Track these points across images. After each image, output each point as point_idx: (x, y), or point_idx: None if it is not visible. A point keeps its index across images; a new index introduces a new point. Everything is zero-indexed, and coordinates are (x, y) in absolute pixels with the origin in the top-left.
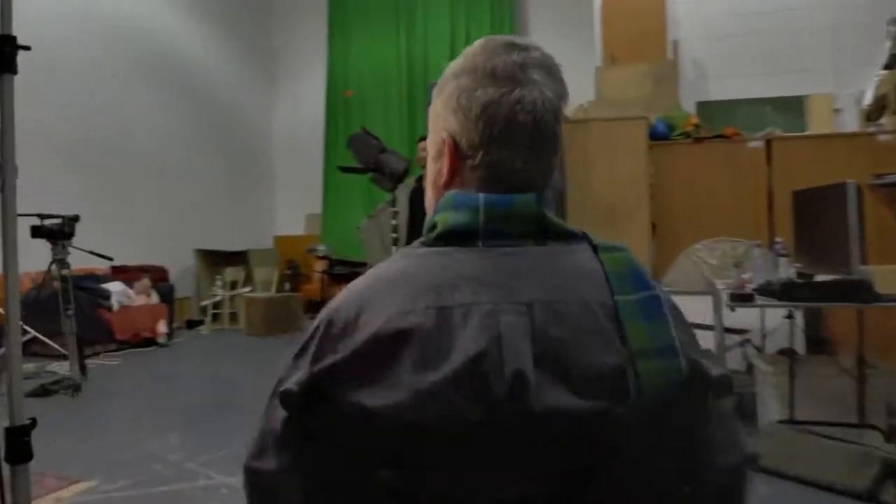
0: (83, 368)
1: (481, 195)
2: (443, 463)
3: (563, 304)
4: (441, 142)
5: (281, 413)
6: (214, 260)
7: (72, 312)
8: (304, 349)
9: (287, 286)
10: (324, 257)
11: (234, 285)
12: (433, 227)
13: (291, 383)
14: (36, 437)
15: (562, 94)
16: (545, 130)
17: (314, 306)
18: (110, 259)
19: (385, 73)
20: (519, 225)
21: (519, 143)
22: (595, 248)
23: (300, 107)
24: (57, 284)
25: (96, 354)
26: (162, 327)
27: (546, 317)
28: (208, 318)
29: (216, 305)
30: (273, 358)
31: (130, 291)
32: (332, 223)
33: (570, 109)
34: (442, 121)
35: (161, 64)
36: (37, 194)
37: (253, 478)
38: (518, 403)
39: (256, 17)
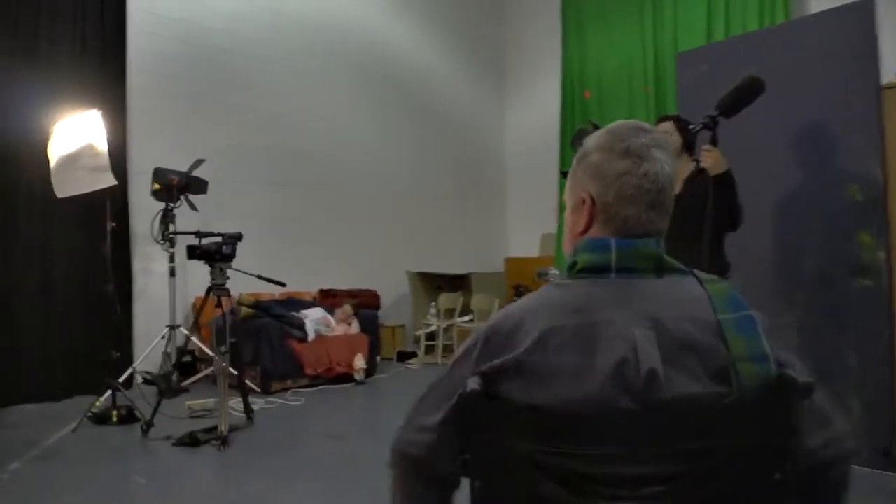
0: (249, 412)
1: (613, 239)
2: (591, 444)
3: (678, 320)
4: (580, 200)
5: (440, 416)
6: (435, 284)
7: (226, 349)
8: (465, 355)
9: None
10: None
11: (450, 313)
12: (574, 265)
13: (470, 387)
14: None
15: (673, 165)
16: (664, 195)
17: None
18: (282, 284)
19: (629, 69)
20: (642, 262)
21: (644, 203)
22: (700, 281)
23: (533, 115)
24: (245, 310)
25: (285, 391)
26: (359, 362)
27: (667, 329)
28: (421, 351)
29: (430, 336)
30: None
31: (331, 319)
32: None
33: (888, 76)
34: (582, 183)
35: (384, 75)
36: (243, 212)
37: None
38: (653, 393)
39: (484, 22)
